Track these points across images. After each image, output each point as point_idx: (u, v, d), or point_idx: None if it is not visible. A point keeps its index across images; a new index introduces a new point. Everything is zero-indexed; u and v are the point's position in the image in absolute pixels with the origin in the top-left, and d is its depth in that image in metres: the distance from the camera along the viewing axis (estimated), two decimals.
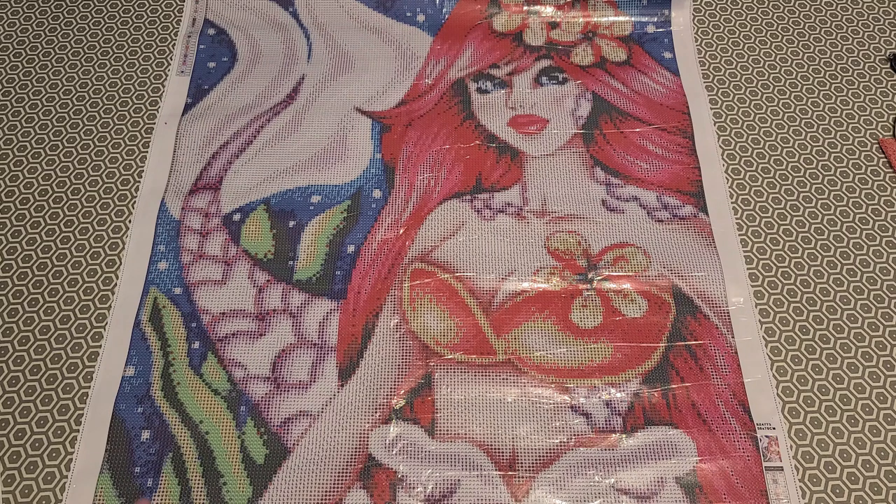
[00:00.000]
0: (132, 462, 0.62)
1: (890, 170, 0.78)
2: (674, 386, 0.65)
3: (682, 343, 0.67)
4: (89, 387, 0.65)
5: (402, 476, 0.61)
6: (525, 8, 0.89)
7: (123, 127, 0.81)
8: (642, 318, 0.69)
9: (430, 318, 0.69)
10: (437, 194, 0.76)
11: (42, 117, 0.82)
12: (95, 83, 0.85)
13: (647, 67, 0.86)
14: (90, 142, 0.80)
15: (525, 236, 0.74)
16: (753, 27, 0.90)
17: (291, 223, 0.74)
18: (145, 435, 0.63)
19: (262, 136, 0.80)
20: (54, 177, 0.78)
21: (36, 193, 0.77)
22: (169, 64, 0.86)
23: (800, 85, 0.85)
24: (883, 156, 0.79)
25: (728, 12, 0.91)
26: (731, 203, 0.76)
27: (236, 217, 0.75)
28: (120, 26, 0.89)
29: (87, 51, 0.87)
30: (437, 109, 0.82)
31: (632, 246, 0.73)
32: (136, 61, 0.86)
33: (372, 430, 0.63)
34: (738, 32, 0.89)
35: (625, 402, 0.64)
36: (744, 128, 0.82)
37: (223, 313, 0.69)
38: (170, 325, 0.68)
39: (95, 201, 0.76)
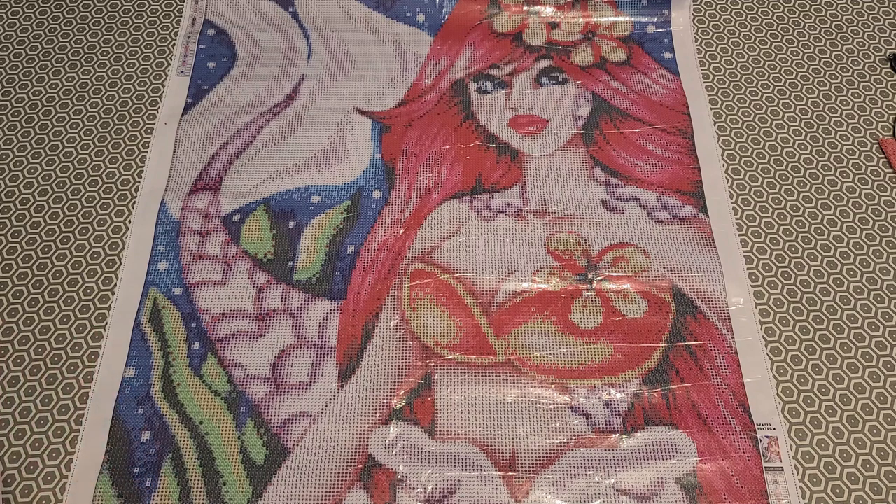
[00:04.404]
0: (132, 462, 0.62)
1: (890, 170, 0.78)
2: (674, 386, 0.65)
3: (682, 343, 0.67)
4: (89, 387, 0.65)
5: (402, 476, 0.61)
6: (525, 8, 0.89)
7: (123, 127, 0.81)
8: (642, 318, 0.69)
9: (430, 318, 0.69)
10: (436, 194, 0.76)
11: (42, 117, 0.82)
12: (95, 83, 0.85)
13: (646, 68, 0.86)
14: (90, 142, 0.80)
15: (525, 237, 0.74)
16: (753, 27, 0.90)
17: (291, 223, 0.74)
18: (145, 436, 0.63)
19: (261, 137, 0.80)
20: (54, 177, 0.78)
21: (36, 193, 0.77)
22: (169, 64, 0.86)
23: (800, 85, 0.85)
24: (883, 156, 0.79)
25: (728, 12, 0.91)
26: (731, 203, 0.76)
27: (236, 217, 0.75)
28: (120, 26, 0.89)
29: (87, 51, 0.87)
30: (437, 110, 0.82)
31: (632, 246, 0.73)
32: (136, 61, 0.86)
33: (372, 431, 0.63)
34: (738, 32, 0.89)
35: (625, 403, 0.64)
36: (744, 128, 0.82)
37: (223, 314, 0.69)
38: (170, 325, 0.68)
39: (95, 201, 0.76)
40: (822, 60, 0.87)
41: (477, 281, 0.71)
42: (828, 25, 0.90)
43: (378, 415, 0.64)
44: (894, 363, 0.67)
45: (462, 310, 0.69)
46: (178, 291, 0.70)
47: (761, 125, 0.82)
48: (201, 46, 0.87)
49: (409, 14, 0.89)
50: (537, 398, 0.65)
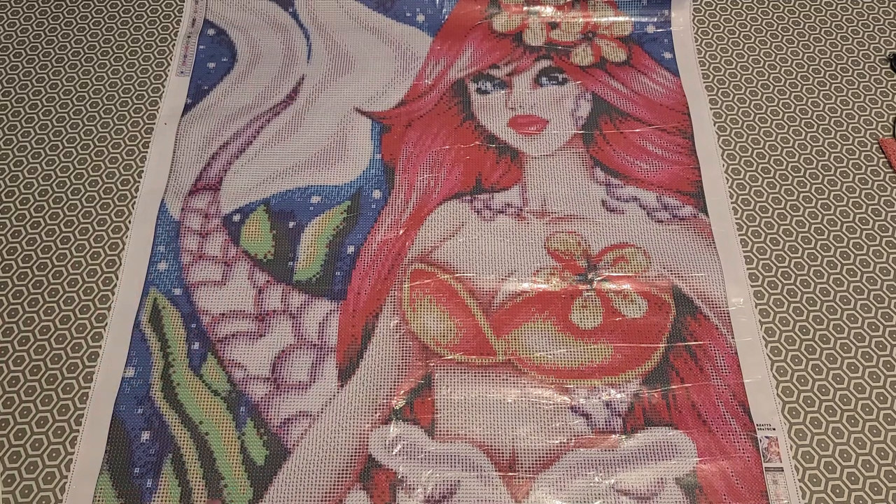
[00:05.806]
0: (132, 463, 0.62)
1: (890, 170, 0.78)
2: (674, 387, 0.65)
3: (682, 344, 0.67)
4: (89, 387, 0.65)
5: (402, 477, 0.61)
6: (525, 8, 0.89)
7: (123, 127, 0.81)
8: (642, 318, 0.69)
9: (430, 318, 0.69)
10: (436, 195, 0.76)
11: (42, 117, 0.82)
12: (95, 83, 0.85)
13: (646, 68, 0.85)
14: (90, 142, 0.80)
15: (525, 237, 0.74)
16: (753, 27, 0.90)
17: (291, 224, 0.74)
18: (145, 436, 0.63)
19: (261, 137, 0.80)
20: (54, 177, 0.78)
21: (36, 193, 0.77)
22: (169, 64, 0.86)
23: (800, 85, 0.85)
24: (883, 156, 0.79)
25: (728, 12, 0.91)
26: (731, 203, 0.76)
27: (236, 218, 0.75)
28: (120, 26, 0.89)
29: (87, 51, 0.87)
30: (437, 110, 0.82)
31: (632, 246, 0.73)
32: (136, 61, 0.86)
33: (372, 431, 0.63)
34: (738, 32, 0.89)
35: (625, 403, 0.64)
36: (744, 128, 0.81)
37: (223, 314, 0.69)
38: (169, 325, 0.68)
39: (95, 201, 0.76)
40: (822, 60, 0.87)
41: (477, 281, 0.71)
42: (828, 25, 0.90)
43: (378, 415, 0.64)
44: (894, 363, 0.67)
45: (462, 310, 0.69)
46: (178, 292, 0.70)
47: (761, 125, 0.82)
48: (201, 46, 0.87)
49: (409, 14, 0.89)
50: (537, 398, 0.65)
